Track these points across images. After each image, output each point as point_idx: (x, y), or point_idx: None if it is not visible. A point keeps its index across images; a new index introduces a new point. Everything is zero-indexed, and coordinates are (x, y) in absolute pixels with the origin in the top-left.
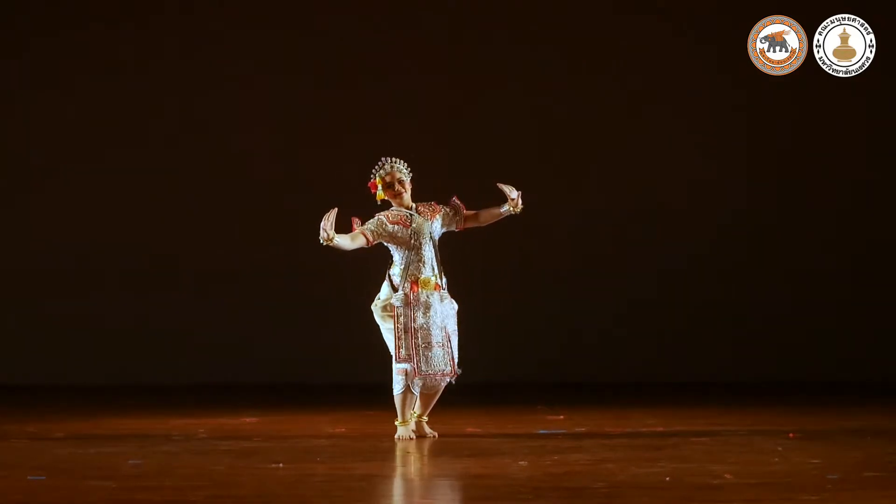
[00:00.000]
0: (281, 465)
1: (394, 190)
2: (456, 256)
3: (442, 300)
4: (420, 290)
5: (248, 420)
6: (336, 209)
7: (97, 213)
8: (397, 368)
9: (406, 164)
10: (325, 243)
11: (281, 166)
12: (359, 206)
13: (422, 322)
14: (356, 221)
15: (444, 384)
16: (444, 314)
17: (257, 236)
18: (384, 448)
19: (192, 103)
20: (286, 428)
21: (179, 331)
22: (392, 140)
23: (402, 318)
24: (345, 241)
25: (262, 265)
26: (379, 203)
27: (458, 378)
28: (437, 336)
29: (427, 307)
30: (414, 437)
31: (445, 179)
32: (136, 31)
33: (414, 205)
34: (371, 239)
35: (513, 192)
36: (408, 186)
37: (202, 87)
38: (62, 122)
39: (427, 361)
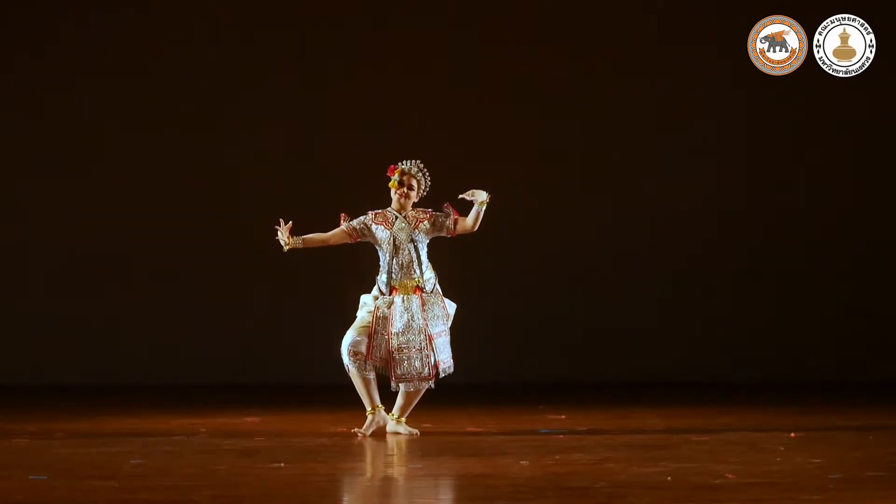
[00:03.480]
0: (283, 464)
1: (402, 188)
2: (459, 257)
3: (425, 304)
4: (398, 293)
5: (249, 419)
6: (284, 221)
7: (97, 212)
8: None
9: (429, 180)
10: (286, 249)
11: (288, 166)
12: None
13: (400, 327)
14: (344, 217)
15: (423, 387)
16: (427, 317)
17: (258, 238)
18: (386, 447)
19: (192, 104)
20: (288, 427)
21: (181, 330)
22: (393, 141)
23: (380, 321)
24: (317, 238)
25: (263, 266)
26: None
27: (450, 377)
28: (415, 341)
29: (405, 311)
30: (368, 433)
31: (451, 186)
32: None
33: (409, 211)
34: (354, 234)
35: (472, 196)
36: (413, 196)
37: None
38: (62, 121)
39: (401, 365)
